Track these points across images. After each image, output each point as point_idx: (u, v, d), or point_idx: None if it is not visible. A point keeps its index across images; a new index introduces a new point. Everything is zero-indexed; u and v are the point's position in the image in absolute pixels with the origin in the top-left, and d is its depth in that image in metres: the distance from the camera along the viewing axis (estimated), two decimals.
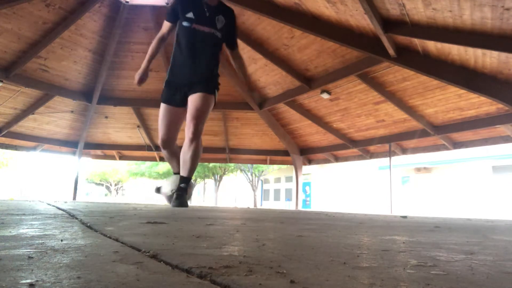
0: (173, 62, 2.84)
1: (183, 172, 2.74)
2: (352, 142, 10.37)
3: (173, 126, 2.91)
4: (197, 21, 2.72)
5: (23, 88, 8.96)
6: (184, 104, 2.81)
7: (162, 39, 2.89)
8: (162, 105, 2.89)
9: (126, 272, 0.65)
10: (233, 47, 2.98)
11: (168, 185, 2.87)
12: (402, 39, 5.70)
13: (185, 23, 2.74)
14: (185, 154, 2.71)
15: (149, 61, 2.89)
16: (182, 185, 2.71)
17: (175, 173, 3.00)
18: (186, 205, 2.69)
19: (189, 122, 2.70)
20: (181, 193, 2.69)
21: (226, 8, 2.87)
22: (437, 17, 4.80)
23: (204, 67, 2.80)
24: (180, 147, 2.85)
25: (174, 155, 2.98)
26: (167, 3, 8.11)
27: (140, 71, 2.91)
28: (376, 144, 9.95)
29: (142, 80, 2.93)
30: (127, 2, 8.14)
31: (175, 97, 2.83)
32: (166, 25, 2.86)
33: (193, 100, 2.73)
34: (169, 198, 2.80)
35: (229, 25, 2.85)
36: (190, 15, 2.72)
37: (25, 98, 9.52)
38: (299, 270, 0.71)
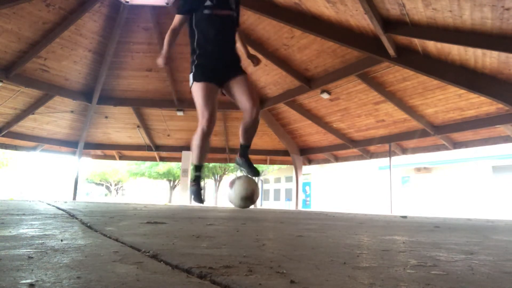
0: (200, 50, 2.88)
1: (246, 141, 3.05)
2: (352, 142, 10.37)
3: (216, 106, 2.86)
4: (216, 6, 2.81)
5: (23, 88, 8.96)
6: (218, 83, 2.86)
7: (174, 32, 2.93)
8: (202, 84, 2.79)
9: (126, 272, 0.65)
10: (238, 24, 3.09)
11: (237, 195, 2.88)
12: (402, 39, 5.70)
13: (206, 11, 2.80)
14: (250, 128, 2.94)
15: (168, 47, 2.91)
16: (245, 158, 3.08)
17: (199, 165, 2.97)
18: (257, 172, 3.13)
19: (250, 105, 2.80)
20: (248, 161, 3.08)
21: None
22: (437, 17, 4.79)
23: (231, 49, 2.94)
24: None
25: (208, 142, 2.91)
26: (167, 3, 8.11)
27: (162, 54, 2.90)
28: (376, 144, 9.95)
29: (166, 59, 2.90)
30: (127, 2, 8.14)
31: (213, 76, 2.85)
32: (178, 18, 2.90)
33: (239, 85, 2.85)
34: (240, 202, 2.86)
35: (237, 3, 2.98)
36: (208, 2, 2.80)
37: (25, 98, 9.52)
38: (299, 270, 0.71)
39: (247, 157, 3.06)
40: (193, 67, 2.87)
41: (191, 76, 2.88)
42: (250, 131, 2.97)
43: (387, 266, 0.78)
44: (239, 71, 2.89)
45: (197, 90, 2.80)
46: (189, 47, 2.98)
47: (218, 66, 2.86)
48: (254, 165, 3.12)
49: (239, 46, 3.16)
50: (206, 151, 2.93)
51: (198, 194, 2.94)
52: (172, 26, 2.92)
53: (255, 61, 3.16)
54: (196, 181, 2.96)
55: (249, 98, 2.81)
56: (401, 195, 16.75)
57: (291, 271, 0.70)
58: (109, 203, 6.49)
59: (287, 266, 0.74)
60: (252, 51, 3.32)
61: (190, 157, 11.93)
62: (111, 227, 1.47)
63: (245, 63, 3.20)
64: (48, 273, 0.61)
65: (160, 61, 2.90)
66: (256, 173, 3.08)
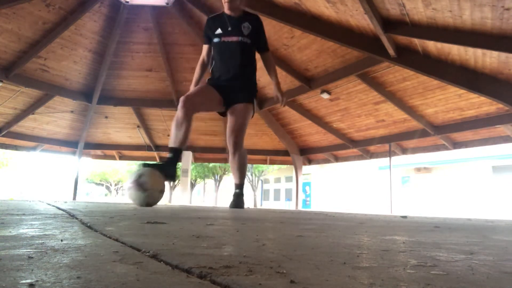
0: (213, 74, 3.06)
1: (235, 180, 3.08)
2: (352, 142, 10.37)
3: (205, 95, 2.92)
4: (224, 34, 2.96)
5: (23, 88, 8.96)
6: (223, 98, 2.94)
7: (203, 63, 3.12)
8: (202, 83, 3.02)
9: (126, 272, 0.65)
10: (262, 50, 3.19)
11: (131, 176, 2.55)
12: (402, 39, 5.70)
13: (216, 40, 2.97)
14: (232, 164, 3.01)
15: (195, 83, 3.09)
16: (236, 191, 3.06)
17: (171, 148, 2.77)
18: (242, 207, 3.04)
19: (229, 135, 2.92)
20: (238, 198, 3.05)
21: (251, 15, 3.12)
22: (437, 17, 4.80)
23: (243, 73, 3.01)
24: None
25: (186, 123, 2.73)
26: (167, 3, 8.12)
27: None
28: (376, 144, 9.95)
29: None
30: (127, 2, 8.14)
31: (219, 87, 2.95)
32: (204, 48, 3.11)
33: (233, 112, 2.95)
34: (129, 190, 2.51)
35: (256, 30, 3.05)
36: (218, 31, 2.97)
37: (25, 98, 9.52)
38: (299, 270, 0.71)
39: (239, 195, 3.05)
40: (207, 80, 3.06)
41: None
42: (234, 164, 2.99)
43: (387, 266, 0.78)
44: (244, 98, 2.98)
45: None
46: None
47: (226, 87, 2.95)
48: (241, 200, 3.06)
49: (269, 74, 3.28)
50: (180, 134, 2.74)
51: (169, 172, 2.68)
52: (200, 58, 3.13)
53: (281, 101, 3.21)
54: (169, 160, 2.73)
55: (231, 126, 2.92)
56: (401, 195, 16.75)
57: (291, 271, 0.70)
58: (109, 203, 6.48)
59: (287, 266, 0.74)
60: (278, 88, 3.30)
61: (187, 157, 11.92)
62: (111, 227, 1.47)
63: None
64: (48, 273, 0.61)
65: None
66: (238, 205, 3.05)
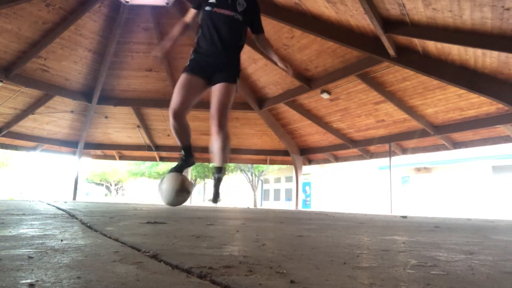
0: (198, 45, 2.92)
1: (216, 162, 2.82)
2: (352, 142, 10.37)
3: (190, 96, 2.84)
4: (217, 5, 2.84)
5: (23, 88, 8.96)
6: (206, 79, 2.86)
7: (185, 25, 2.97)
8: (184, 75, 2.84)
9: (126, 272, 0.65)
10: (257, 31, 3.07)
11: (169, 183, 2.79)
12: (402, 39, 5.70)
13: (207, 8, 2.85)
14: (214, 145, 2.79)
15: (170, 41, 2.95)
16: (216, 175, 2.81)
17: (183, 147, 2.98)
18: (217, 198, 2.79)
19: (213, 114, 2.77)
20: (217, 184, 2.83)
21: None
22: (437, 17, 4.80)
23: (228, 51, 2.91)
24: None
25: (183, 128, 2.89)
26: (167, 3, 8.11)
27: (160, 47, 2.97)
28: (376, 144, 9.95)
29: (160, 55, 3.01)
30: (127, 2, 8.14)
31: (200, 70, 2.86)
32: (190, 11, 2.95)
33: (216, 91, 2.82)
34: (167, 199, 2.76)
35: (251, 10, 2.96)
36: (212, 0, 2.85)
37: (25, 98, 9.52)
38: (299, 270, 0.71)
39: (218, 180, 2.80)
40: (188, 61, 2.92)
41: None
42: (215, 146, 2.78)
43: (387, 266, 0.78)
44: (227, 78, 2.84)
45: (179, 79, 2.85)
46: (189, 48, 3.02)
47: (209, 64, 2.85)
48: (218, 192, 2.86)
49: (268, 55, 3.17)
50: (183, 134, 2.89)
51: (180, 168, 2.95)
52: (183, 19, 2.98)
53: (290, 71, 3.08)
54: (186, 155, 2.97)
55: (216, 106, 2.77)
56: (401, 195, 16.75)
57: (291, 271, 0.70)
58: (109, 203, 6.48)
59: (287, 266, 0.74)
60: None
61: None
62: (111, 227, 1.47)
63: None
64: (48, 273, 0.61)
65: (158, 50, 2.96)
66: (215, 199, 2.80)
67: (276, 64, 3.25)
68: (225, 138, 2.78)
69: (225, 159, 2.82)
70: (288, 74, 3.21)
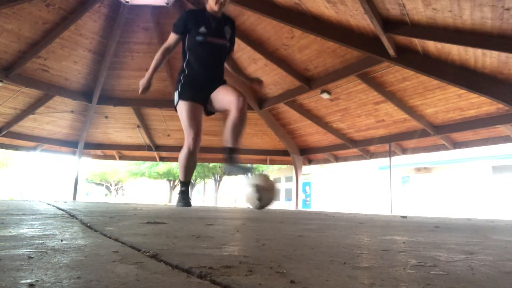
0: (188, 70, 2.95)
1: (234, 144, 2.82)
2: (352, 142, 10.37)
3: (200, 123, 2.91)
4: (210, 34, 2.88)
5: (23, 88, 8.96)
6: (205, 102, 2.94)
7: (168, 51, 2.96)
8: (187, 103, 2.86)
9: (126, 272, 0.65)
10: (231, 51, 3.17)
11: (254, 198, 2.76)
12: (402, 39, 5.70)
13: (199, 38, 2.86)
14: (236, 126, 2.77)
15: (154, 71, 2.95)
16: (232, 155, 2.82)
17: (186, 182, 3.03)
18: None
19: (235, 98, 2.76)
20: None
21: (229, 18, 3.06)
22: (437, 17, 4.80)
23: (219, 74, 3.03)
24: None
25: (195, 160, 2.97)
26: (167, 3, 8.11)
27: (144, 80, 2.95)
28: (376, 144, 9.95)
29: (146, 89, 2.98)
30: (127, 2, 8.14)
31: (198, 95, 2.92)
32: (173, 37, 2.94)
33: (221, 89, 2.89)
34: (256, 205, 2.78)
35: (232, 34, 3.05)
36: (203, 29, 2.86)
37: (25, 98, 9.52)
38: (299, 270, 0.71)
39: (238, 161, 2.83)
40: (179, 85, 2.92)
41: (176, 94, 2.94)
42: (238, 127, 2.78)
43: (387, 266, 0.78)
44: (220, 82, 2.96)
45: (182, 109, 2.86)
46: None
47: (203, 86, 2.92)
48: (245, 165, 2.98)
49: (235, 73, 3.26)
50: (192, 168, 3.00)
51: (186, 202, 3.01)
52: (165, 45, 2.95)
53: (259, 85, 3.21)
54: (184, 194, 3.04)
55: (233, 92, 2.80)
56: (401, 195, 16.75)
57: (291, 271, 0.70)
58: (109, 203, 6.48)
59: (287, 266, 0.74)
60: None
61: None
62: (111, 227, 1.47)
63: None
64: (48, 273, 0.61)
65: (141, 87, 2.93)
66: (250, 170, 2.93)
67: (246, 81, 3.32)
68: (245, 124, 2.81)
69: (239, 141, 2.86)
70: (260, 86, 3.28)
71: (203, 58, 2.92)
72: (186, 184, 3.03)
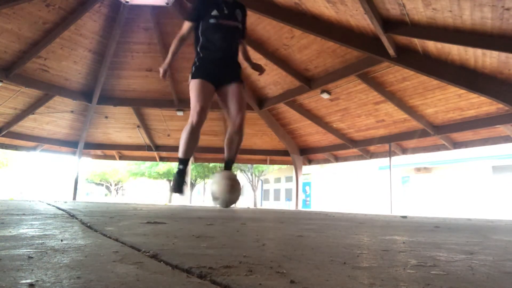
0: (203, 53, 3.01)
1: (230, 156, 3.04)
2: (352, 142, 10.37)
3: (208, 101, 2.90)
4: (222, 16, 2.95)
5: (23, 88, 8.96)
6: (214, 85, 2.95)
7: (183, 39, 3.05)
8: (198, 80, 2.89)
9: (126, 272, 0.65)
10: (243, 37, 3.22)
11: (218, 188, 2.79)
12: (402, 39, 5.70)
13: (212, 20, 2.94)
14: (233, 140, 2.97)
15: (172, 57, 3.04)
16: (228, 166, 3.00)
17: (184, 159, 2.92)
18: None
19: (236, 112, 2.89)
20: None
21: (240, 3, 3.14)
22: (437, 17, 4.80)
23: (233, 57, 3.08)
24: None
25: (198, 137, 2.89)
26: (167, 3, 8.11)
27: (164, 65, 3.03)
28: (376, 144, 9.95)
29: (166, 73, 3.04)
30: (127, 2, 8.14)
31: (211, 77, 2.94)
32: (187, 25, 3.02)
33: (232, 92, 2.95)
34: (222, 202, 2.80)
35: (243, 17, 3.12)
36: (214, 12, 2.94)
37: (25, 98, 9.52)
38: (299, 270, 0.71)
39: (231, 171, 3.04)
40: (193, 67, 2.99)
41: (190, 76, 2.99)
42: (234, 143, 2.99)
43: (387, 266, 0.78)
44: (236, 78, 3.01)
45: (192, 85, 2.90)
46: (191, 48, 3.08)
47: (217, 70, 2.98)
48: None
49: (241, 57, 3.27)
50: (194, 145, 2.90)
51: (179, 185, 2.93)
52: (180, 33, 3.04)
53: (260, 70, 3.30)
54: (180, 174, 2.93)
55: (236, 106, 2.90)
56: (401, 195, 16.75)
57: (291, 271, 0.70)
58: (109, 203, 6.48)
59: (287, 266, 0.74)
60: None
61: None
62: (111, 227, 1.47)
63: (249, 71, 3.28)
64: (48, 273, 0.61)
65: (161, 71, 3.02)
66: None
67: (254, 68, 3.34)
68: (241, 139, 2.99)
69: (236, 155, 3.07)
70: (261, 71, 3.33)
71: (217, 40, 2.96)
72: (184, 162, 2.93)
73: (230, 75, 3.00)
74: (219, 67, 2.99)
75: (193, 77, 2.93)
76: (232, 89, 2.94)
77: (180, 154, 2.91)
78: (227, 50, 3.01)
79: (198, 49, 3.01)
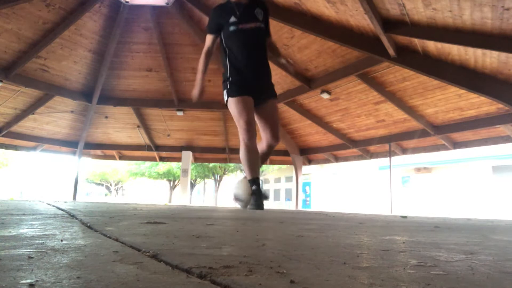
0: (232, 67, 2.86)
1: (256, 174, 2.76)
2: (352, 142, 10.37)
3: (252, 113, 2.80)
4: (240, 21, 2.80)
5: (23, 88, 8.96)
6: (253, 95, 2.84)
7: (209, 52, 2.93)
8: (238, 98, 2.77)
9: (126, 272, 0.65)
10: (269, 35, 3.04)
11: (244, 191, 2.73)
12: (402, 39, 5.70)
13: (232, 28, 2.80)
14: (268, 153, 2.93)
15: (202, 76, 2.92)
16: (254, 187, 2.71)
17: (254, 178, 2.75)
18: (262, 208, 2.70)
19: (270, 129, 2.88)
20: (260, 195, 2.71)
21: (259, 1, 2.95)
22: (437, 17, 4.80)
23: (264, 62, 2.91)
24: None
25: (256, 152, 2.80)
26: (167, 3, 8.12)
27: (197, 87, 2.91)
28: (376, 144, 9.95)
29: (200, 95, 2.94)
30: (127, 2, 8.14)
31: (248, 89, 2.82)
32: (210, 38, 2.92)
33: (270, 109, 2.91)
34: (246, 203, 2.72)
35: (265, 15, 2.95)
36: (232, 19, 2.80)
37: (25, 98, 9.53)
38: (299, 270, 0.71)
39: (260, 191, 2.73)
40: (228, 83, 2.84)
41: (225, 92, 2.86)
42: (267, 155, 2.97)
43: (387, 266, 0.78)
44: (272, 94, 2.93)
45: (232, 104, 2.78)
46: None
47: (253, 82, 2.84)
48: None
49: (274, 56, 3.13)
50: (256, 162, 2.79)
51: (260, 205, 2.69)
52: (205, 48, 2.92)
53: (288, 70, 3.23)
54: (257, 193, 2.72)
55: (273, 130, 2.90)
56: (401, 195, 16.75)
57: (291, 271, 0.70)
58: (109, 203, 6.49)
59: (287, 266, 0.74)
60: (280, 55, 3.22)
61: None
62: (111, 227, 1.47)
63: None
64: (48, 273, 0.61)
65: (195, 93, 2.90)
66: (259, 207, 2.69)
67: (285, 66, 3.24)
68: (271, 153, 2.96)
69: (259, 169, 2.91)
70: (289, 69, 3.26)
71: (242, 47, 2.82)
72: (255, 181, 2.75)
73: (267, 92, 2.90)
74: (254, 79, 2.84)
75: (231, 95, 2.79)
76: (269, 107, 2.89)
77: (247, 176, 2.80)
78: (256, 56, 2.85)
79: (227, 62, 2.86)
